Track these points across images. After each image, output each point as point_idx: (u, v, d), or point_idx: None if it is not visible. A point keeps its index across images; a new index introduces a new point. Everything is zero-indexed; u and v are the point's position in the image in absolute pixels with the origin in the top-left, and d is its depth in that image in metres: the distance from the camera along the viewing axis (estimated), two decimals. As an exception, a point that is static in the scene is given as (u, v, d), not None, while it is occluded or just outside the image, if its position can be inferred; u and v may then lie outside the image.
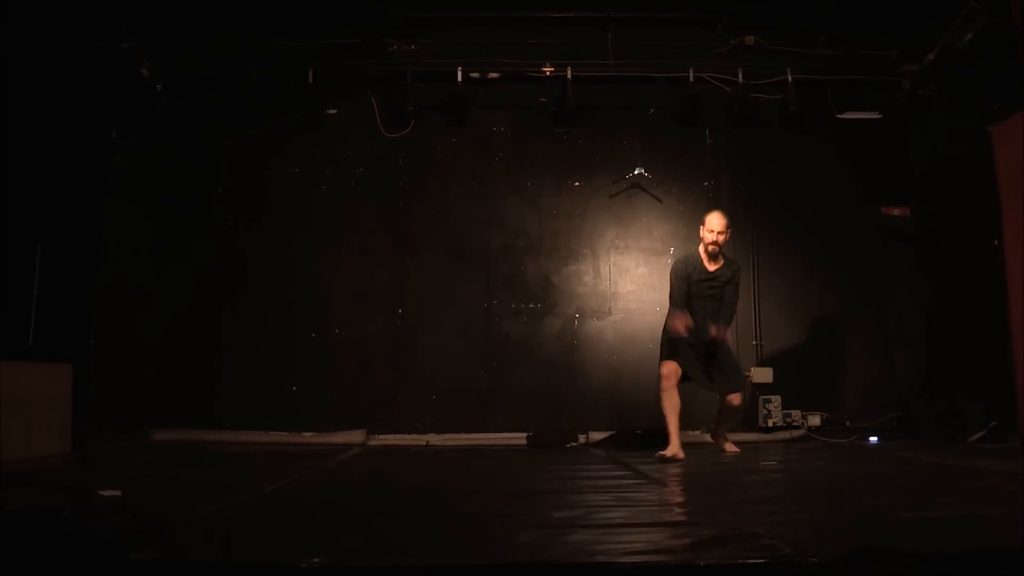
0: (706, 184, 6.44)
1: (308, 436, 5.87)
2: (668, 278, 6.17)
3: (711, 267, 4.93)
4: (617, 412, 6.02)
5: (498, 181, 6.40)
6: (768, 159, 6.45)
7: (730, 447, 5.22)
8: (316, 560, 1.94)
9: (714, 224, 4.88)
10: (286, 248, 6.21)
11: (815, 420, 6.08)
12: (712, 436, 5.42)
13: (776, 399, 6.08)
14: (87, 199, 5.75)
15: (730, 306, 5.00)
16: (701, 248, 4.94)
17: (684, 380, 4.88)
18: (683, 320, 4.73)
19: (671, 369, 4.79)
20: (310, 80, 6.14)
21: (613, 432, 5.83)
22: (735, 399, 5.02)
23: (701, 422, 6.09)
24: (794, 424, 6.06)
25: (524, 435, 5.86)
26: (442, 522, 2.68)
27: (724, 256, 4.98)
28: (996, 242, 5.46)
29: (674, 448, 4.68)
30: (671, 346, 4.86)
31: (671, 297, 4.93)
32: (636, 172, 6.32)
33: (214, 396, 5.96)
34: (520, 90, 6.41)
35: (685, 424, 5.94)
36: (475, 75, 6.29)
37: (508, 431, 5.95)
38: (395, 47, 6.36)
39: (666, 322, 4.92)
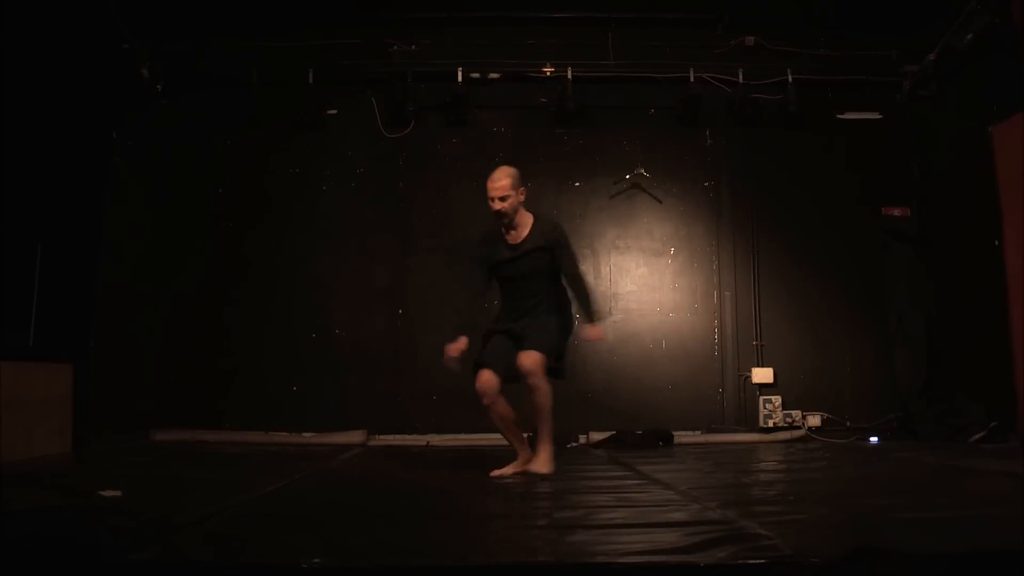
0: (706, 184, 6.44)
1: (309, 436, 5.87)
2: (667, 279, 6.23)
3: (514, 239, 3.89)
4: (617, 412, 6.01)
5: (498, 181, 6.38)
6: (768, 159, 6.45)
7: (534, 463, 3.85)
8: (316, 560, 1.94)
9: (489, 186, 3.82)
10: (286, 248, 6.21)
11: (815, 420, 6.08)
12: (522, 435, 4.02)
13: (776, 399, 6.08)
14: (87, 199, 5.76)
15: (579, 281, 3.86)
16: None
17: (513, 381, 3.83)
18: (458, 346, 3.75)
19: (485, 381, 3.76)
20: (310, 80, 6.14)
21: (613, 432, 5.82)
22: (524, 360, 3.70)
23: (700, 423, 6.10)
24: (794, 424, 6.06)
25: (525, 435, 5.84)
26: (442, 522, 2.68)
27: (531, 215, 3.92)
28: (996, 242, 5.46)
29: (523, 461, 3.89)
30: (481, 349, 3.88)
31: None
32: (637, 172, 6.33)
33: (214, 396, 5.96)
34: (520, 90, 6.41)
35: (676, 424, 5.98)
36: (475, 75, 6.29)
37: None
38: (395, 47, 6.36)
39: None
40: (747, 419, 6.13)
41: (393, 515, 2.81)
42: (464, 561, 2.03)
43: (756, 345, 6.23)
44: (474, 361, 3.83)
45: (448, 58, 6.24)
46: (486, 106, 6.40)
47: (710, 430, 6.06)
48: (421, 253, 6.28)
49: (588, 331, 3.90)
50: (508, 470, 3.86)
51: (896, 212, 6.39)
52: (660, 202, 6.36)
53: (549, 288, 3.93)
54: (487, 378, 3.76)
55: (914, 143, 6.47)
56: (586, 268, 6.32)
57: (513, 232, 3.90)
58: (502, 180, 3.81)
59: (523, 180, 3.91)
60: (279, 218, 6.26)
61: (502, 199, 3.79)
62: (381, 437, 5.94)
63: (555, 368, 3.88)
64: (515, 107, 6.46)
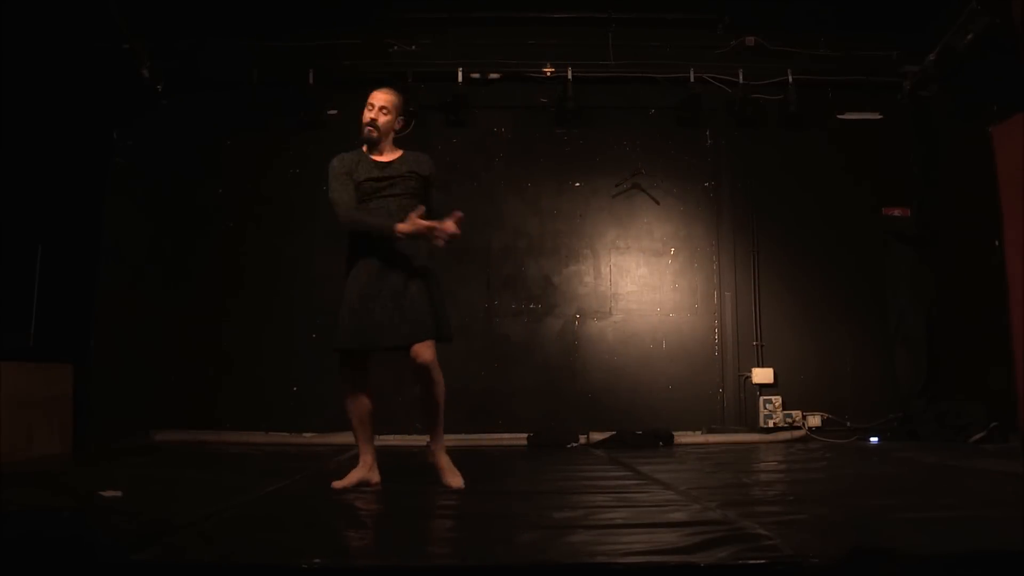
0: (706, 185, 6.44)
1: (308, 436, 5.87)
2: (668, 280, 6.22)
3: (380, 158, 3.53)
4: (617, 412, 6.01)
5: (498, 182, 6.40)
6: (769, 160, 6.45)
7: (452, 477, 3.47)
8: (316, 560, 1.94)
9: (374, 93, 3.53)
10: (286, 248, 6.21)
11: (815, 420, 6.08)
12: (428, 447, 3.67)
13: (776, 399, 6.08)
14: (88, 200, 5.76)
15: (438, 212, 3.48)
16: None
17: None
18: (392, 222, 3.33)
19: (348, 370, 3.64)
20: (311, 80, 6.14)
21: (613, 432, 5.82)
22: (421, 352, 3.38)
23: (700, 423, 6.10)
24: (795, 425, 6.06)
25: (525, 435, 5.86)
26: (442, 522, 2.68)
27: (398, 147, 3.60)
28: (996, 242, 5.46)
29: (367, 467, 3.57)
30: (340, 324, 3.54)
31: (335, 206, 3.46)
32: (639, 172, 6.33)
33: (214, 396, 5.96)
34: (521, 90, 6.41)
35: (676, 424, 5.97)
36: (476, 75, 6.30)
37: (509, 431, 5.95)
38: (396, 47, 6.36)
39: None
40: (747, 419, 6.13)
41: (393, 515, 2.82)
42: (464, 561, 2.03)
43: (756, 345, 6.23)
44: (339, 339, 3.53)
45: (448, 58, 6.24)
46: (486, 106, 6.40)
47: (710, 430, 6.06)
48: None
49: (401, 226, 3.36)
50: (353, 479, 3.47)
51: (896, 212, 6.40)
52: (658, 203, 6.36)
53: None
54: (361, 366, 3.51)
55: (914, 143, 6.47)
56: (587, 268, 6.34)
57: (377, 153, 3.53)
58: (389, 95, 3.52)
59: (406, 108, 3.66)
60: (279, 218, 6.26)
61: (383, 109, 3.49)
62: (381, 437, 5.84)
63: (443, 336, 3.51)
64: (515, 107, 6.46)
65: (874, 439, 5.92)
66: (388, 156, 3.56)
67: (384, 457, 5.09)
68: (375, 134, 3.51)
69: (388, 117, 3.52)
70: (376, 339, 3.46)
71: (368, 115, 3.51)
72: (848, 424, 6.09)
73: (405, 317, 3.43)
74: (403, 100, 3.60)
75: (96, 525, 2.50)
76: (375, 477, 3.56)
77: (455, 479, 3.45)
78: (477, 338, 6.18)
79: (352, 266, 3.61)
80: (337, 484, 3.43)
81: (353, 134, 6.28)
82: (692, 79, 6.24)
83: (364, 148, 3.55)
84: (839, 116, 6.50)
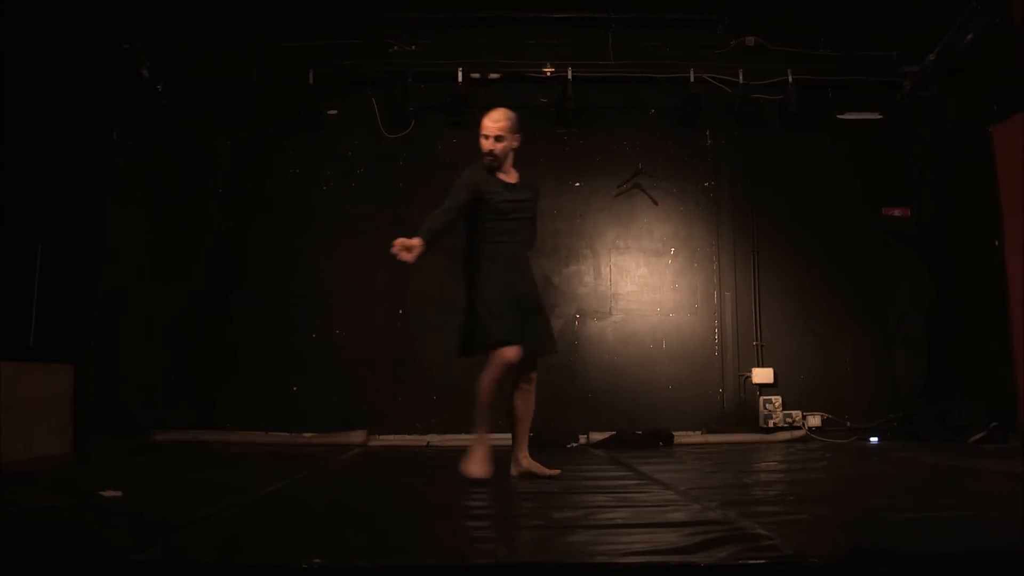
0: (706, 185, 6.44)
1: (308, 436, 5.87)
2: (668, 280, 6.21)
3: (510, 179, 3.72)
4: (617, 412, 6.01)
5: (498, 181, 6.39)
6: (768, 160, 6.45)
7: (551, 470, 3.77)
8: (316, 560, 1.94)
9: (485, 123, 3.67)
10: (286, 248, 6.21)
11: (815, 420, 6.08)
12: (515, 457, 3.82)
13: (777, 399, 6.08)
14: (88, 200, 5.75)
15: (536, 232, 3.95)
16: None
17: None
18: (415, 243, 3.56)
19: (512, 365, 3.55)
20: (311, 80, 6.14)
21: (613, 432, 5.82)
22: (534, 371, 3.78)
23: (700, 423, 6.10)
24: (795, 424, 6.06)
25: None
26: (442, 522, 2.68)
27: (514, 168, 3.80)
28: (996, 242, 5.46)
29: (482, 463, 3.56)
30: (502, 318, 3.52)
31: (445, 202, 3.61)
32: (640, 168, 6.33)
33: (214, 396, 5.96)
34: (520, 90, 6.40)
35: (676, 424, 5.98)
36: (475, 75, 6.30)
37: (509, 431, 5.93)
38: (396, 47, 6.37)
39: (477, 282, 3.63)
40: (747, 419, 6.12)
41: (393, 515, 2.82)
42: (464, 561, 2.03)
43: (756, 345, 6.23)
44: (504, 331, 3.49)
45: (448, 58, 6.24)
46: (486, 106, 6.33)
47: (710, 430, 6.06)
48: (421, 253, 6.25)
49: None
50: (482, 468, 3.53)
51: (896, 212, 6.40)
52: (657, 203, 6.35)
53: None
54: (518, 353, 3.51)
55: (914, 143, 6.47)
56: (587, 268, 6.34)
57: (504, 173, 3.72)
58: (501, 121, 3.66)
59: (520, 124, 3.77)
60: (279, 218, 6.26)
61: (497, 139, 3.64)
62: (381, 437, 5.94)
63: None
64: (515, 107, 6.36)
65: (874, 439, 5.92)
66: (513, 177, 3.77)
67: (384, 457, 5.10)
68: (496, 163, 3.68)
69: (503, 143, 3.67)
70: (536, 344, 3.71)
71: (485, 145, 3.66)
72: (848, 424, 6.09)
73: (547, 326, 3.80)
74: (514, 118, 3.73)
75: (96, 525, 2.50)
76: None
77: (553, 470, 3.75)
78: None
79: (492, 264, 3.68)
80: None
81: (352, 135, 6.37)
82: (692, 79, 6.24)
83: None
84: (839, 116, 6.50)
